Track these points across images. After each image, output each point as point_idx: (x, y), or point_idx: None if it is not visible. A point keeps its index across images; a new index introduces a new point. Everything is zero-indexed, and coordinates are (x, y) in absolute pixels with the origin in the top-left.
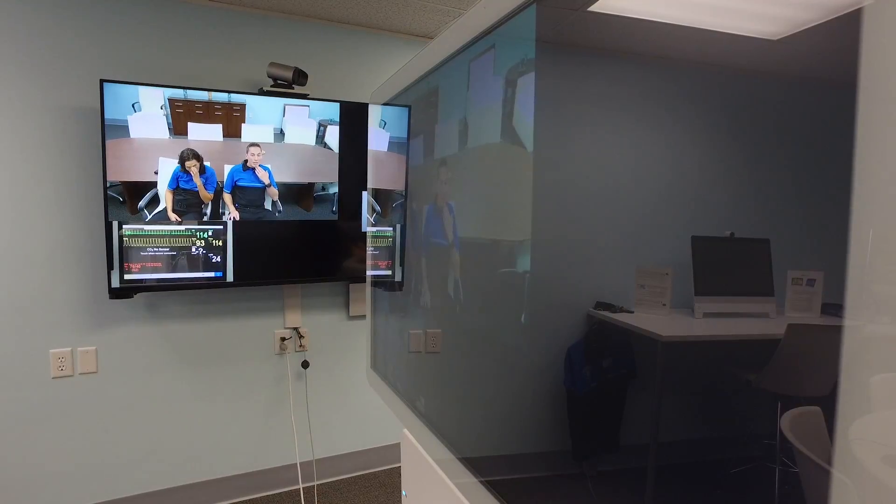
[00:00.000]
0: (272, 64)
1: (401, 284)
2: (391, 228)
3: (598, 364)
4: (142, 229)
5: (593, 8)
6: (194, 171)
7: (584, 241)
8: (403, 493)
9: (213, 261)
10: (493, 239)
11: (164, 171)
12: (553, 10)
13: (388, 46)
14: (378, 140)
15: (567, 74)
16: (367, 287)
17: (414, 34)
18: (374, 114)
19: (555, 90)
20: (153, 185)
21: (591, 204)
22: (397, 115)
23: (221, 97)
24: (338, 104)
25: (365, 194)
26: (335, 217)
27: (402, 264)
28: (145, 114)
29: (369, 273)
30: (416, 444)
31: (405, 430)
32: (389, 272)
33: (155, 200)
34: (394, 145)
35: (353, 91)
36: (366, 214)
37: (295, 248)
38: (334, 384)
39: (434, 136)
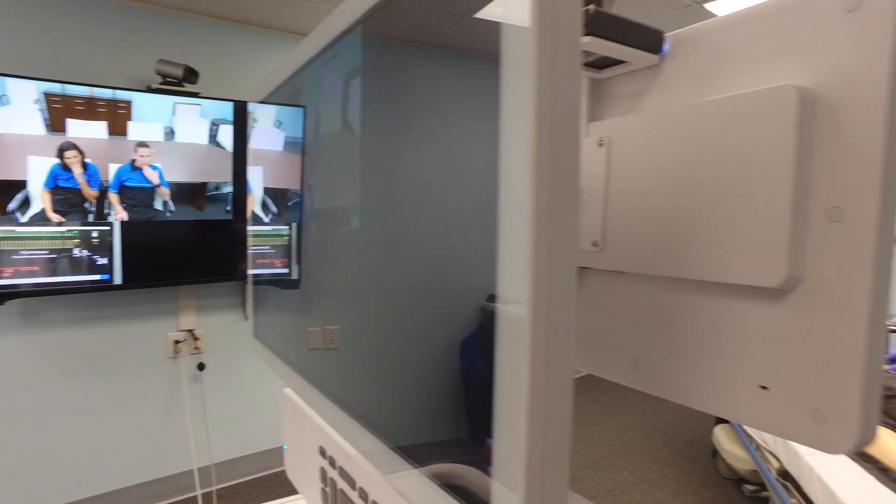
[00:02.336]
0: (161, 61)
1: (298, 283)
2: (287, 227)
3: (491, 354)
4: (13, 231)
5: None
6: (76, 165)
7: (478, 236)
8: (285, 446)
9: (99, 263)
10: (386, 235)
11: (40, 170)
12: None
13: (283, 46)
14: (273, 140)
15: (443, 74)
16: (249, 286)
17: (299, 32)
18: (268, 113)
19: (432, 90)
20: (24, 184)
21: (480, 199)
22: (292, 115)
23: (105, 93)
24: (231, 103)
25: (254, 191)
26: (230, 217)
27: (298, 262)
28: (15, 108)
29: (251, 272)
30: (297, 399)
31: (286, 390)
32: (286, 270)
33: (29, 201)
34: (289, 145)
35: (247, 90)
36: (259, 212)
37: (188, 248)
38: (232, 385)
39: (306, 132)
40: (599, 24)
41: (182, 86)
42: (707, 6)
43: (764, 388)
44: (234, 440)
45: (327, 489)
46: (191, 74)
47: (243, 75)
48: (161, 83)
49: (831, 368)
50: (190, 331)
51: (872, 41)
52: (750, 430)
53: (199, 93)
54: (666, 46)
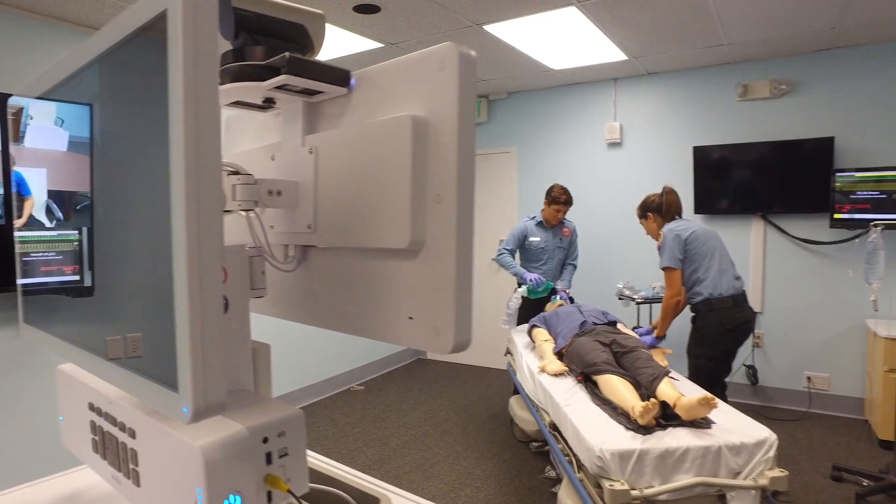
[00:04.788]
0: None
1: (91, 290)
2: (76, 232)
3: None
4: None
5: None
6: None
7: None
8: (60, 418)
9: None
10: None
11: None
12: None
13: (58, 36)
14: (56, 139)
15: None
16: (19, 296)
17: (92, 26)
18: (48, 111)
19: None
20: None
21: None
22: (78, 114)
23: None
24: None
25: (33, 194)
26: (0, 221)
27: (91, 268)
28: None
29: (22, 281)
30: (69, 369)
31: (59, 367)
32: (77, 277)
33: None
34: (75, 145)
35: (11, 82)
36: (42, 216)
37: None
38: (6, 410)
39: (94, 131)
40: (294, 66)
41: None
42: (486, 27)
43: (411, 318)
44: (9, 473)
45: (96, 437)
46: None
47: (6, 64)
48: None
49: (441, 300)
50: None
51: (449, 89)
52: (529, 394)
53: None
54: (353, 81)
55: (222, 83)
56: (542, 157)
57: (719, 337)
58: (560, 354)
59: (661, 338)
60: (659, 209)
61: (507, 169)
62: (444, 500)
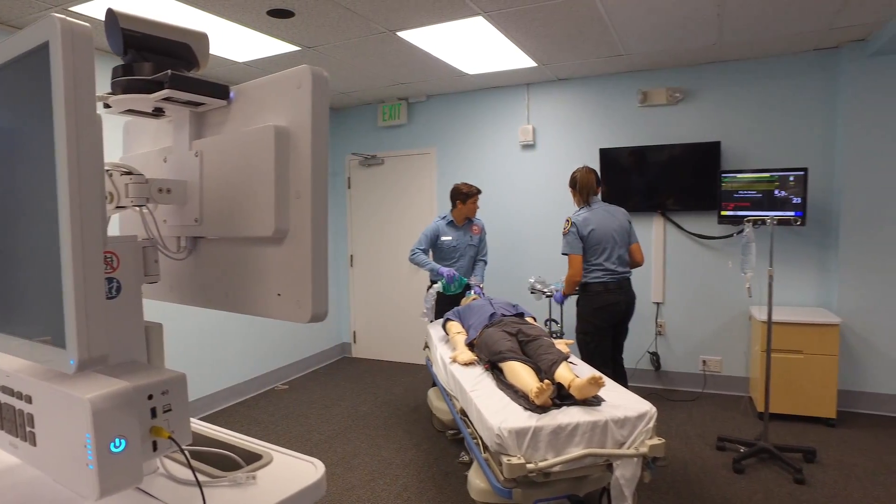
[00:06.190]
0: None
1: None
2: None
3: None
4: None
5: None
6: None
7: None
8: None
9: None
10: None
11: None
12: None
13: None
14: None
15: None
16: None
17: (6, 23)
18: None
19: None
20: None
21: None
22: None
23: None
24: None
25: None
26: None
27: None
28: None
29: None
30: None
31: None
32: None
33: None
34: None
35: None
36: None
37: None
38: None
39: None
40: (175, 81)
41: None
42: (399, 34)
43: (279, 294)
44: None
45: None
46: None
47: None
48: None
49: (300, 279)
50: None
51: (304, 104)
52: (442, 384)
53: None
54: (232, 94)
55: (114, 94)
56: (461, 158)
57: (590, 315)
58: (472, 345)
59: (566, 295)
60: (574, 185)
61: (426, 169)
62: (363, 489)
